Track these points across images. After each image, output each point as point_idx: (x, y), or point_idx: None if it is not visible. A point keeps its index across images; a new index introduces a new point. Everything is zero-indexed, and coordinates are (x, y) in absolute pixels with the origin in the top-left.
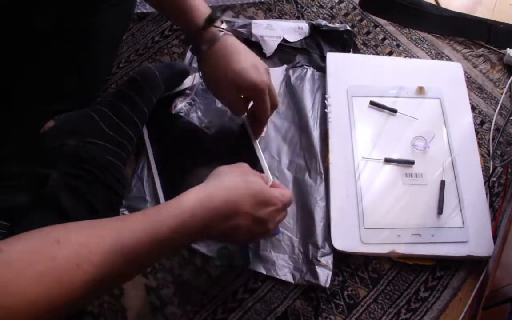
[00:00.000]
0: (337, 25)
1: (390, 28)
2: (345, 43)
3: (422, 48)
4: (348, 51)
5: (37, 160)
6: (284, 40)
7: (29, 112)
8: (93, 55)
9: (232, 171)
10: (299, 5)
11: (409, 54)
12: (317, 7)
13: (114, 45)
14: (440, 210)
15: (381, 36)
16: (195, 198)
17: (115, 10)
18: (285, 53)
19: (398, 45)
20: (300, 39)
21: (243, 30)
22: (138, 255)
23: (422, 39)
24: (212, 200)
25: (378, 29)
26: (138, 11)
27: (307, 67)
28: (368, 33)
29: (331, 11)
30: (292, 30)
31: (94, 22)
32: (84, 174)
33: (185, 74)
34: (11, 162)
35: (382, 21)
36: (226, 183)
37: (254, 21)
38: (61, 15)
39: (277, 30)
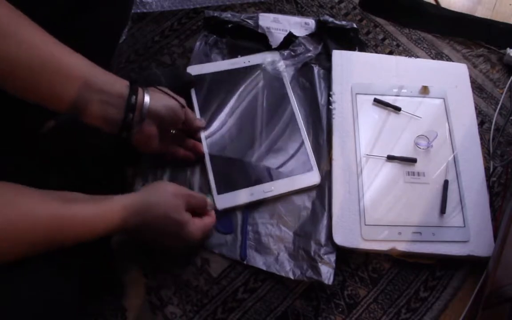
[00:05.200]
0: (343, 22)
1: (390, 28)
2: (351, 41)
3: (422, 48)
4: (354, 49)
5: (36, 161)
6: (290, 34)
7: (29, 111)
8: (91, 54)
9: (165, 196)
10: (299, 5)
11: (409, 54)
12: (317, 7)
13: (112, 44)
14: (443, 210)
15: (381, 36)
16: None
17: (112, 9)
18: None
19: (398, 45)
20: (306, 35)
21: (249, 21)
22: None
23: (422, 39)
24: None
25: (378, 29)
26: (138, 11)
27: (313, 65)
28: (368, 33)
29: (331, 11)
30: (298, 25)
31: (91, 21)
32: (84, 174)
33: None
34: (10, 162)
35: (382, 21)
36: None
37: (261, 13)
38: (55, 15)
39: (284, 24)
